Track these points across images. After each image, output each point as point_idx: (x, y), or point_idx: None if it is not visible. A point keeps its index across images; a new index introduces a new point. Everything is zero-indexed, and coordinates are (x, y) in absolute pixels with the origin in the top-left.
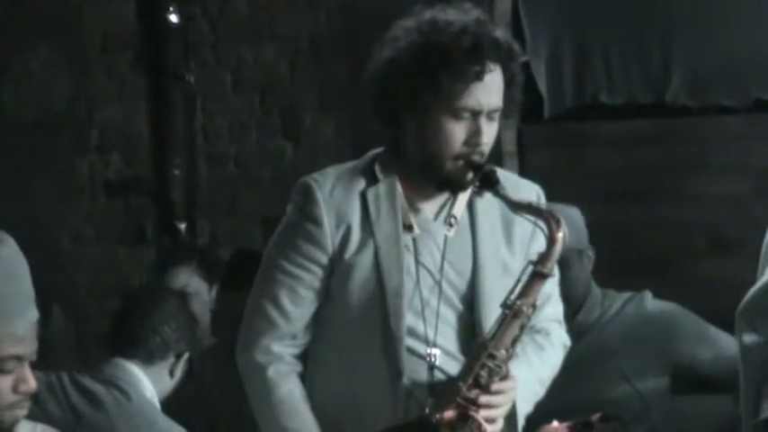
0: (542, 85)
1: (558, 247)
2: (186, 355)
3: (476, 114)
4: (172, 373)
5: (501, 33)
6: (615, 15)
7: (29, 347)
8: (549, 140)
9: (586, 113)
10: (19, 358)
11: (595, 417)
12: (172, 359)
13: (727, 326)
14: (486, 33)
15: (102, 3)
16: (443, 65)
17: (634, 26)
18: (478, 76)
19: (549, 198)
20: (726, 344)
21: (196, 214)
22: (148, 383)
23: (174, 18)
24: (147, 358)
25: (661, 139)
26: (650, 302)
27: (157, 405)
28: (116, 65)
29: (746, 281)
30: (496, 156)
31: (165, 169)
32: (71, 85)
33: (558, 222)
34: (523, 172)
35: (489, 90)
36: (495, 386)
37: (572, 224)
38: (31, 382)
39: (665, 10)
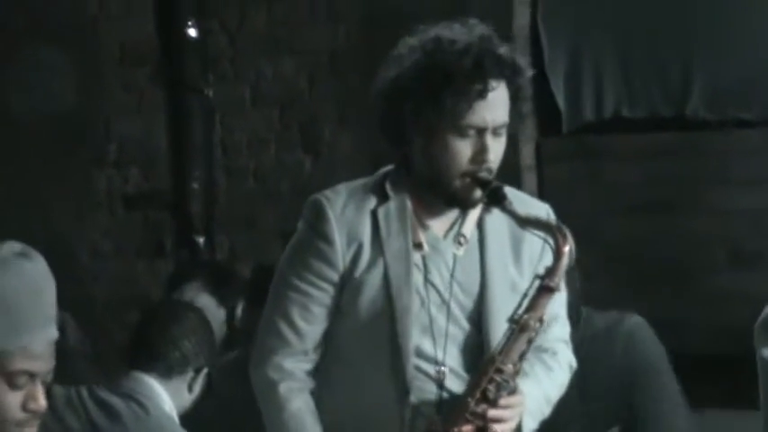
0: (561, 99)
1: (565, 261)
2: (205, 370)
3: (481, 131)
4: (191, 388)
5: (504, 50)
6: (634, 29)
7: (43, 366)
8: (568, 154)
9: (605, 127)
10: (31, 375)
11: None
12: (191, 374)
13: (746, 340)
14: (489, 51)
15: (120, 16)
16: (446, 84)
17: (654, 40)
18: (481, 95)
19: (568, 212)
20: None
21: (215, 228)
22: (167, 397)
23: (192, 32)
24: (166, 372)
25: (681, 153)
26: (625, 333)
27: (176, 419)
28: (134, 78)
29: (766, 294)
30: (515, 169)
31: (183, 183)
32: (89, 98)
33: (564, 236)
34: (542, 186)
35: (494, 107)
36: (503, 401)
37: None
38: (41, 401)
39: (684, 23)
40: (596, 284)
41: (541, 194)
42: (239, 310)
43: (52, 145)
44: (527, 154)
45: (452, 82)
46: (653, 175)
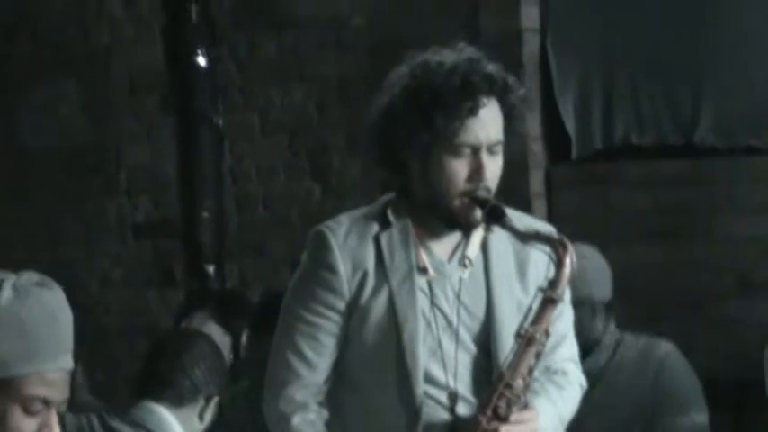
0: (570, 126)
1: (567, 272)
2: (216, 399)
3: (476, 150)
4: (201, 417)
5: (494, 68)
6: (644, 56)
7: (58, 394)
8: (578, 181)
9: (614, 154)
10: (46, 402)
11: None
12: (201, 402)
13: (755, 365)
14: (478, 69)
15: (129, 45)
16: (435, 104)
17: (663, 67)
18: (472, 112)
19: (578, 238)
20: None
21: (225, 256)
22: (178, 427)
23: (201, 60)
24: (177, 401)
25: (689, 180)
26: (657, 361)
27: None
28: (144, 107)
29: None
30: (524, 197)
31: (193, 212)
32: (98, 127)
33: (565, 247)
34: (552, 213)
35: (486, 125)
36: (514, 416)
37: (592, 275)
38: (55, 430)
39: (694, 51)
40: None
41: (551, 221)
42: (244, 338)
43: (62, 173)
44: (536, 181)
45: (441, 101)
46: (662, 202)
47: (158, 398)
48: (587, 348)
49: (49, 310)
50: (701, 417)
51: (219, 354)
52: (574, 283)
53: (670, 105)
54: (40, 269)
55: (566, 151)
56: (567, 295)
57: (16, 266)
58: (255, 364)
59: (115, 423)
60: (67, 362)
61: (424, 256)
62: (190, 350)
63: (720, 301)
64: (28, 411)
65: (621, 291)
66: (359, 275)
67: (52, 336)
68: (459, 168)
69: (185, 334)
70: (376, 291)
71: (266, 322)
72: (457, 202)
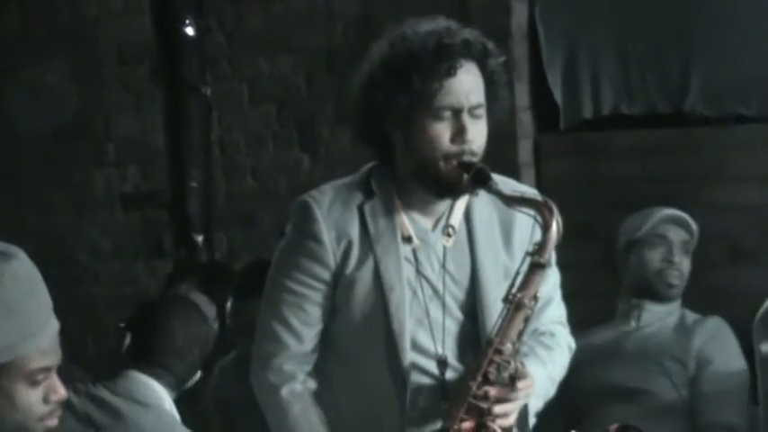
0: (558, 96)
1: (554, 235)
2: (198, 360)
3: (457, 112)
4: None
5: (472, 34)
6: (632, 25)
7: (55, 358)
8: (566, 151)
9: (603, 123)
10: (47, 369)
11: (613, 427)
12: (186, 366)
13: (746, 335)
14: (454, 34)
15: (117, 16)
16: (412, 67)
17: (652, 36)
18: (449, 72)
19: (567, 208)
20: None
21: (213, 227)
22: (165, 394)
23: (190, 31)
24: (162, 367)
25: (679, 149)
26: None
27: (177, 416)
28: (132, 78)
29: (765, 290)
30: (513, 166)
31: (181, 182)
32: (87, 98)
33: (551, 210)
34: (540, 183)
35: (466, 87)
36: (521, 383)
37: None
38: (61, 391)
39: (682, 19)
40: (595, 281)
41: (539, 191)
42: (229, 305)
43: (51, 144)
44: (525, 151)
45: (418, 64)
46: (651, 171)
47: (144, 367)
48: None
49: (27, 282)
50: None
51: (201, 316)
52: None
53: (659, 74)
54: (28, 240)
55: (554, 121)
56: (553, 258)
57: (5, 234)
58: (241, 331)
59: (104, 394)
60: (55, 323)
61: (409, 225)
62: (169, 316)
63: (711, 269)
64: (33, 384)
65: (610, 260)
66: (344, 245)
67: (37, 306)
68: (442, 131)
69: (166, 300)
70: (361, 260)
71: (250, 288)
72: (442, 166)
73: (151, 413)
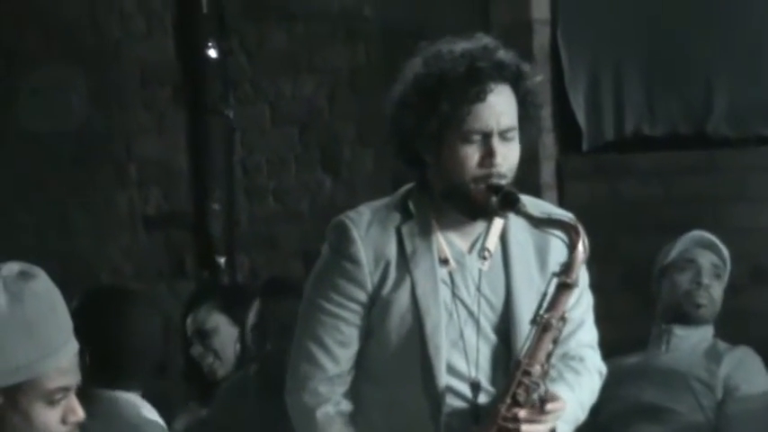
0: (581, 117)
1: (580, 255)
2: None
3: (486, 136)
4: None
5: (506, 55)
6: (655, 47)
7: (74, 378)
8: (589, 172)
9: (625, 144)
10: (66, 389)
11: None
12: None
13: None
14: (488, 56)
15: (140, 38)
16: (442, 90)
17: (674, 57)
18: (479, 97)
19: (589, 230)
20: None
21: (235, 248)
22: (140, 401)
23: (212, 53)
24: (128, 376)
25: (701, 170)
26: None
27: (160, 421)
28: (155, 99)
29: None
30: (535, 188)
31: (204, 204)
32: (109, 119)
33: (577, 231)
34: (562, 204)
35: (497, 111)
36: (550, 405)
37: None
38: (79, 412)
39: (705, 41)
40: (617, 303)
41: None
42: (249, 322)
43: (74, 166)
44: (547, 172)
45: (447, 87)
46: (674, 193)
47: (109, 381)
48: None
49: (47, 302)
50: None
51: (153, 309)
52: None
53: (681, 95)
54: (50, 261)
55: (577, 142)
56: (584, 280)
57: (27, 255)
58: (267, 334)
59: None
60: (74, 344)
61: (445, 247)
62: (120, 322)
63: (733, 291)
64: (52, 403)
65: (632, 282)
66: (381, 267)
67: (57, 325)
68: (470, 154)
69: (110, 304)
70: (398, 282)
71: (276, 289)
72: (472, 188)
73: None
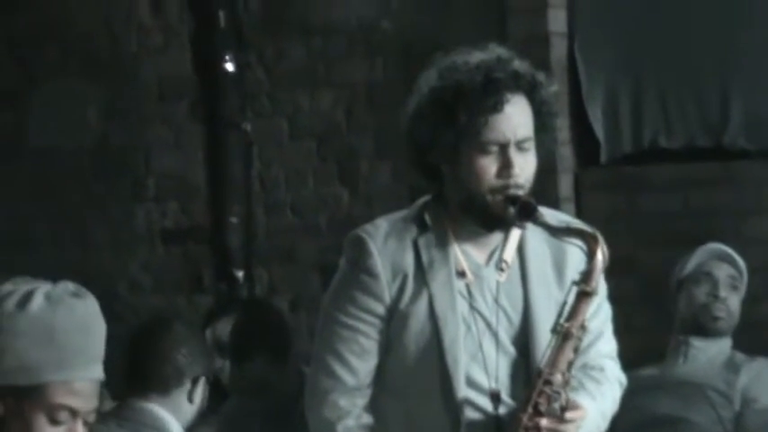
0: (599, 130)
1: (599, 263)
2: (203, 379)
3: (503, 147)
4: (191, 399)
5: (522, 65)
6: (672, 59)
7: (84, 404)
8: (607, 185)
9: (643, 157)
10: (73, 412)
11: None
12: (188, 385)
13: None
14: (504, 67)
15: (157, 52)
16: (458, 102)
17: (691, 69)
18: (496, 108)
19: (607, 242)
20: None
21: (253, 262)
22: (171, 418)
23: (230, 66)
24: (163, 390)
25: (719, 183)
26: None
27: None
28: (173, 113)
29: None
30: (553, 200)
31: (222, 217)
32: (127, 133)
33: (596, 239)
34: (580, 217)
35: (513, 121)
36: (569, 414)
37: None
38: None
39: (722, 53)
40: (635, 316)
41: None
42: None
43: (91, 180)
44: (565, 185)
45: (464, 98)
46: (691, 205)
47: (145, 392)
48: None
49: (81, 320)
50: None
51: (197, 333)
52: None
53: (699, 107)
54: (68, 275)
55: (594, 155)
56: (603, 290)
57: (45, 268)
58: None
59: (111, 429)
60: (97, 372)
61: (462, 260)
62: (166, 337)
63: (751, 303)
64: (53, 420)
65: (650, 295)
66: (399, 280)
67: (82, 345)
68: (488, 165)
69: (156, 323)
70: (416, 295)
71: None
72: (489, 200)
73: None
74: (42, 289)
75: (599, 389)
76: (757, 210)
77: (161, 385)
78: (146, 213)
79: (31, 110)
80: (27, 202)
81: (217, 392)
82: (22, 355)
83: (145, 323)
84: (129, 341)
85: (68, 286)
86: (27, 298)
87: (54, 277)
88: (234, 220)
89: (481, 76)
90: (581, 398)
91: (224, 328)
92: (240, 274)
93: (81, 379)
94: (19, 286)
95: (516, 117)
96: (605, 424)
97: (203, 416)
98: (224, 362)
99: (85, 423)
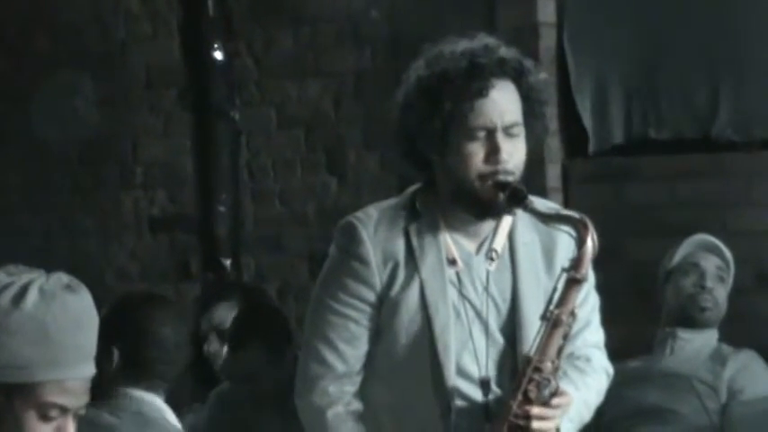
0: (587, 121)
1: (589, 250)
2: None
3: (491, 132)
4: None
5: (508, 52)
6: (661, 51)
7: (75, 401)
8: (595, 176)
9: (631, 148)
10: (63, 409)
11: None
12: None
13: None
14: (489, 53)
15: (146, 40)
16: (443, 88)
17: (680, 61)
18: (481, 93)
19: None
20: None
21: (241, 251)
22: (164, 405)
23: (218, 55)
24: (156, 378)
25: (707, 174)
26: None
27: (180, 427)
28: (161, 102)
29: None
30: (541, 191)
31: (209, 206)
32: (115, 121)
33: (585, 226)
34: (568, 207)
35: (500, 106)
36: (555, 400)
37: None
38: None
39: (711, 45)
40: (623, 306)
41: None
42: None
43: (79, 168)
44: (553, 175)
45: (449, 84)
46: (679, 196)
47: (136, 381)
48: None
49: (74, 316)
50: None
51: (182, 314)
52: None
53: (687, 99)
54: (57, 261)
55: (583, 146)
56: (591, 280)
57: (33, 256)
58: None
59: (103, 417)
60: (89, 369)
61: (453, 248)
62: (159, 323)
63: (738, 295)
64: (44, 418)
65: (638, 286)
66: (390, 267)
67: (75, 343)
68: (475, 151)
69: (145, 306)
70: (406, 282)
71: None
72: (478, 186)
73: (157, 430)
74: (37, 283)
75: (583, 379)
76: (745, 201)
77: (150, 372)
78: (133, 201)
79: (19, 98)
80: (15, 190)
81: (206, 378)
82: (15, 353)
83: (133, 308)
84: (124, 329)
85: (62, 279)
86: (22, 294)
87: (41, 265)
88: (221, 208)
89: (466, 61)
90: (563, 386)
91: (221, 314)
92: (228, 262)
93: (73, 378)
94: (14, 278)
95: (503, 102)
96: (589, 414)
97: (189, 405)
98: (220, 347)
99: (75, 416)
